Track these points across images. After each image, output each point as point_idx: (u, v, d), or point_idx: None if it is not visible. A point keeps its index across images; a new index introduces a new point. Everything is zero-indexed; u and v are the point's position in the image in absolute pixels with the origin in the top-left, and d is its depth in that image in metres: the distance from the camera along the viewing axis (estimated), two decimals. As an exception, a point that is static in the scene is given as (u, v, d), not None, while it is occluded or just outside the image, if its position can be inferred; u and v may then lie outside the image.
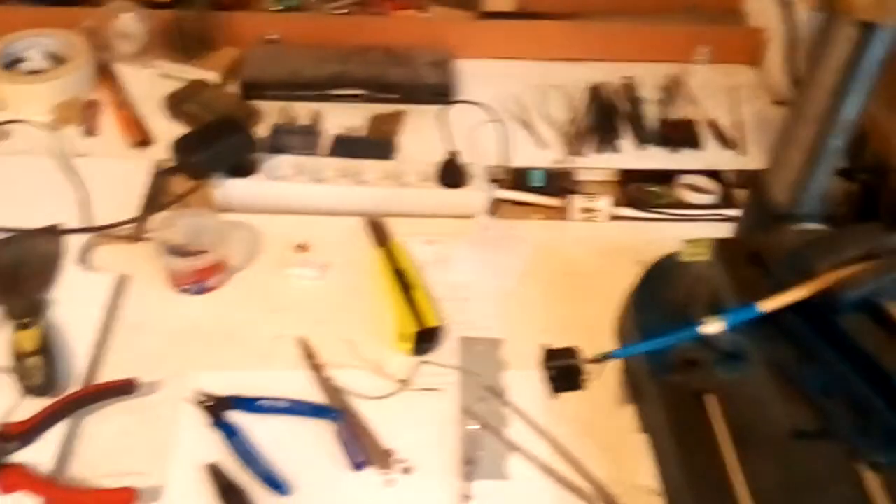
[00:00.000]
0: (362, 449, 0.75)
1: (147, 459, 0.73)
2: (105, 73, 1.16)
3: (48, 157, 1.02)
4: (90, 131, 1.07)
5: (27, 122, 1.07)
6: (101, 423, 0.76)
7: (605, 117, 1.13)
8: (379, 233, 0.96)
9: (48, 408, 0.74)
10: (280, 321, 0.86)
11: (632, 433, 0.76)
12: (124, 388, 0.77)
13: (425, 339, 0.83)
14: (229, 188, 0.97)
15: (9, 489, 0.69)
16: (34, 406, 0.75)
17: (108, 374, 0.80)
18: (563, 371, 0.70)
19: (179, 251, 0.86)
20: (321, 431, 0.76)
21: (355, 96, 1.14)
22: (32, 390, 0.75)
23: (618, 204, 1.00)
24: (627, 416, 0.77)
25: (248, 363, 0.82)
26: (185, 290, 0.88)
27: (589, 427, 0.77)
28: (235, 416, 0.77)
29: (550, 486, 0.73)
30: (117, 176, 0.99)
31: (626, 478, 0.73)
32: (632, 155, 1.09)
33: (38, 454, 0.72)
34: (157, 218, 0.92)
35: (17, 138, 1.07)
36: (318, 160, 1.01)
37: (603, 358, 0.70)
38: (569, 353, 0.71)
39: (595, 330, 0.82)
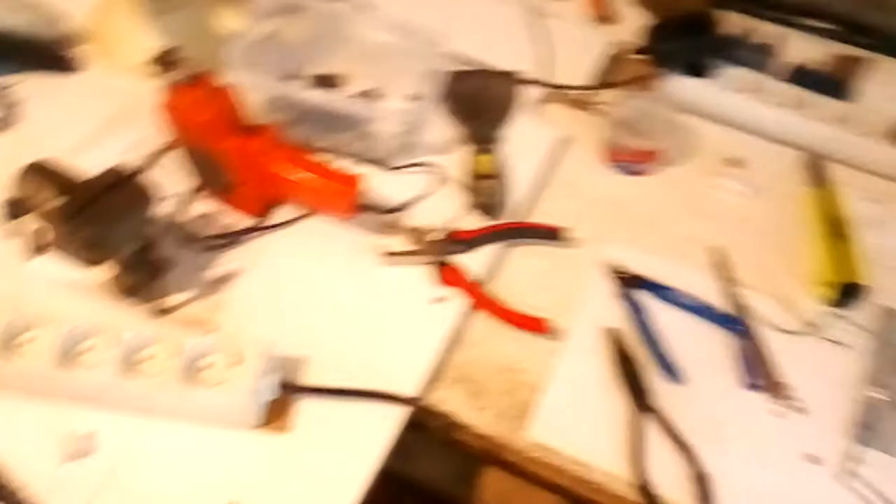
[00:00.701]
0: (760, 372, 0.74)
1: (556, 304, 0.78)
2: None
3: (520, 7, 1.08)
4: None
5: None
6: (526, 257, 0.82)
7: None
8: (817, 173, 0.91)
9: (490, 227, 0.82)
10: (698, 225, 0.87)
11: None
12: (553, 234, 0.82)
13: (847, 293, 0.79)
14: (681, 84, 0.97)
15: (449, 283, 0.78)
16: (478, 222, 0.83)
17: (539, 217, 0.86)
18: None
19: (625, 129, 0.89)
20: (720, 341, 0.77)
21: (824, 30, 1.07)
22: (482, 208, 0.83)
23: None
24: None
25: (660, 251, 0.84)
26: (617, 167, 0.91)
27: None
28: (642, 296, 0.79)
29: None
30: (577, 43, 1.03)
31: None
32: None
33: (474, 263, 0.80)
34: (609, 93, 0.95)
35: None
36: (772, 83, 0.98)
37: None
38: None
39: None
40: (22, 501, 0.61)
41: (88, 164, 0.74)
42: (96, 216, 0.66)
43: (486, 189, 0.84)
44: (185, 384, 0.65)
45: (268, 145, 0.75)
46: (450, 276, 0.78)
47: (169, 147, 0.84)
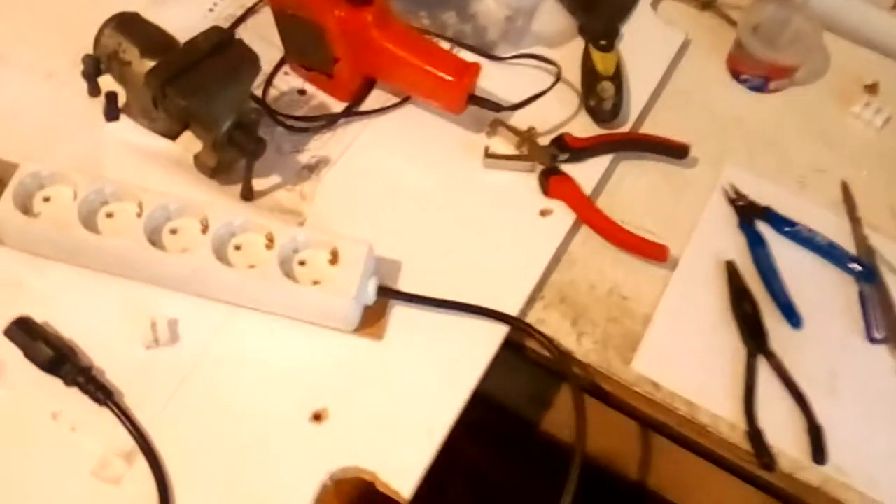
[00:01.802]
0: (885, 324, 0.68)
1: (666, 228, 0.72)
2: None
3: None
4: None
5: None
6: (637, 173, 0.75)
7: None
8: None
9: (604, 136, 0.74)
10: (825, 155, 0.79)
11: None
12: (675, 149, 0.74)
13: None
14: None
15: (557, 195, 0.71)
16: (590, 129, 0.76)
17: (650, 128, 0.78)
18: None
19: (755, 37, 0.80)
20: (844, 286, 0.71)
21: None
22: (595, 112, 0.75)
23: None
24: None
25: (782, 180, 0.77)
26: (742, 80, 0.82)
27: None
28: (762, 228, 0.73)
29: None
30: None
31: None
32: None
33: (583, 175, 0.73)
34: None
35: None
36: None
37: None
38: None
39: None
40: (103, 384, 0.57)
41: (164, 21, 0.67)
42: (196, 84, 0.59)
43: (601, 91, 0.75)
44: (284, 278, 0.59)
45: (379, 19, 0.67)
46: (559, 187, 0.71)
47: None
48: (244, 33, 0.75)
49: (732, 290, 0.69)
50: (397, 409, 0.60)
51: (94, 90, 0.66)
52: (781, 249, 0.72)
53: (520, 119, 0.74)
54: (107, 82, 0.67)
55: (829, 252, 0.72)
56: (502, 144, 0.73)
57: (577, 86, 0.78)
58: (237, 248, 0.62)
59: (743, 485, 0.68)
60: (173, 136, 0.69)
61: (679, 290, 0.69)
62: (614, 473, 0.80)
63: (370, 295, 0.61)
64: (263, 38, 0.75)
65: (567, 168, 0.72)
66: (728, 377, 0.65)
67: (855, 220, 0.74)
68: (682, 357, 0.66)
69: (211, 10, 0.77)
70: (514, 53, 0.78)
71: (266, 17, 0.75)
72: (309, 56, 0.71)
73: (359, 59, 0.70)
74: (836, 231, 0.74)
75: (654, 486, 0.81)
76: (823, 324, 0.68)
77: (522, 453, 0.94)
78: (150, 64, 0.62)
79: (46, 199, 0.62)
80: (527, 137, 0.73)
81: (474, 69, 0.68)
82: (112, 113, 0.68)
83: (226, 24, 0.77)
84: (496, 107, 0.70)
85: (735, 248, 0.72)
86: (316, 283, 0.61)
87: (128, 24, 0.64)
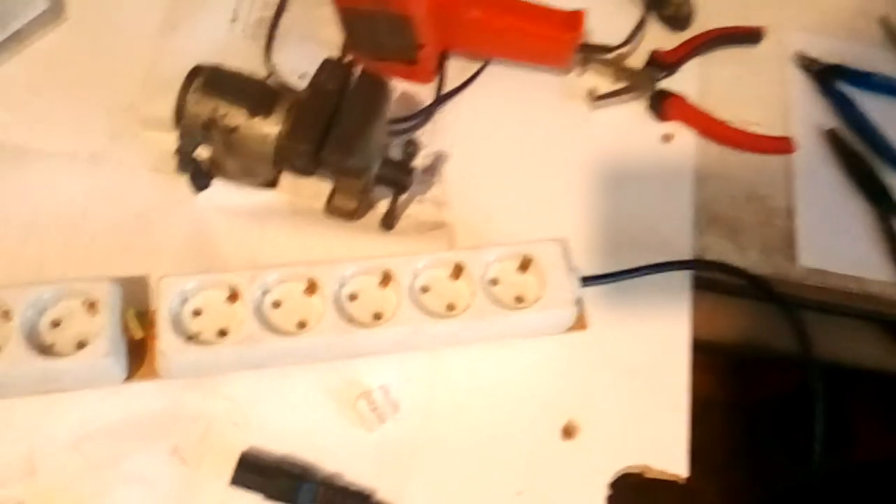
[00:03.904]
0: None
1: (766, 113, 0.71)
2: None
3: None
4: None
5: None
6: (721, 67, 0.72)
7: None
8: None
9: (690, 41, 0.71)
10: (858, -6, 0.79)
11: None
12: (754, 35, 0.72)
13: None
14: None
15: (672, 116, 0.67)
16: (664, 39, 0.71)
17: (707, 21, 0.74)
18: None
19: None
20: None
21: None
22: (673, 21, 0.71)
23: None
24: None
25: (836, 32, 0.77)
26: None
27: None
28: (844, 88, 0.73)
29: None
30: None
31: None
32: None
33: (682, 87, 0.69)
34: None
35: None
36: None
37: None
38: None
39: None
40: (355, 490, 0.51)
41: (187, 48, 0.55)
42: (348, 136, 0.49)
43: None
44: (497, 308, 0.54)
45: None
46: (674, 108, 0.67)
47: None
48: (285, 39, 0.64)
49: (844, 158, 0.70)
50: (633, 394, 0.58)
51: (186, 165, 0.54)
52: (866, 102, 0.73)
53: (609, 48, 0.68)
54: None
55: (909, 93, 0.74)
56: (597, 79, 0.68)
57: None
58: (424, 290, 0.56)
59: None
60: (275, 183, 0.59)
61: (803, 173, 0.69)
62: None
63: (578, 290, 0.57)
64: (308, 36, 0.64)
65: (667, 86, 0.69)
66: (874, 242, 0.67)
67: (911, 53, 0.76)
68: (833, 238, 0.67)
69: (234, 20, 0.64)
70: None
71: (301, 11, 0.64)
72: (386, 49, 0.61)
73: (447, 38, 0.61)
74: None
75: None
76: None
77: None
78: (265, 124, 0.51)
79: (197, 314, 0.52)
80: (619, 66, 0.68)
81: (580, 17, 0.61)
82: (202, 181, 0.57)
83: (255, 31, 0.64)
84: (606, 50, 0.64)
85: (829, 114, 0.72)
86: (519, 298, 0.56)
87: (215, 83, 0.51)
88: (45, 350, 0.49)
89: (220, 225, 0.58)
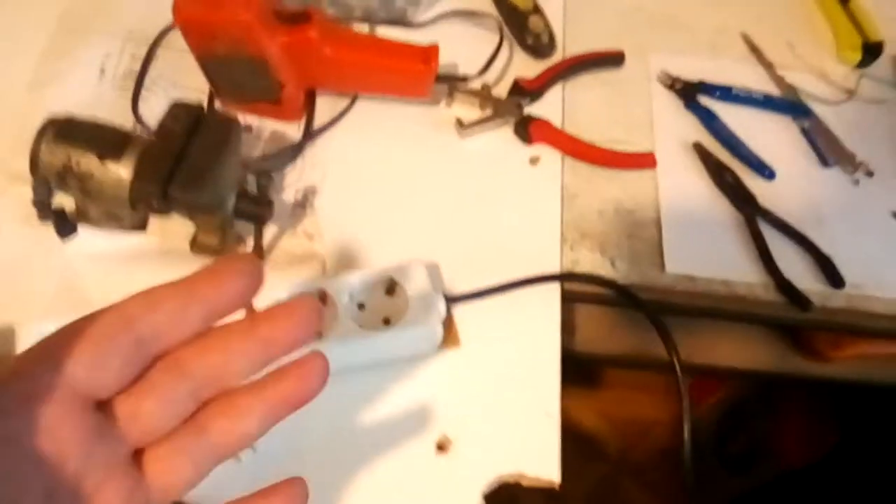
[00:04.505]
0: (830, 147, 0.76)
1: (631, 132, 0.74)
2: None
3: None
4: None
5: None
6: (585, 91, 0.76)
7: None
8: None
9: (552, 68, 0.73)
10: (719, 13, 0.83)
11: None
12: (616, 59, 0.76)
13: (869, 53, 0.81)
14: None
15: (538, 139, 0.70)
16: (528, 66, 0.74)
17: (573, 47, 0.78)
18: None
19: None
20: (786, 128, 0.77)
21: None
22: (539, 49, 0.74)
23: None
24: None
25: (698, 50, 0.81)
26: (625, -32, 0.84)
27: None
28: (705, 101, 0.77)
29: None
30: None
31: None
32: None
33: (546, 112, 0.72)
34: None
35: None
36: None
37: None
38: None
39: None
40: None
41: (56, 101, 0.57)
42: (195, 174, 0.51)
43: (534, 27, 0.74)
44: (364, 332, 0.56)
45: (323, 32, 0.60)
46: (539, 131, 0.70)
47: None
48: (152, 89, 0.65)
49: (709, 168, 0.73)
50: (506, 405, 0.59)
51: (46, 214, 0.56)
52: (727, 114, 0.76)
53: (472, 78, 0.71)
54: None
55: (765, 103, 0.77)
56: (464, 109, 0.71)
57: (509, 29, 0.75)
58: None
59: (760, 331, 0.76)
60: (144, 226, 0.60)
61: (668, 185, 0.72)
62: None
63: (443, 309, 0.59)
64: (175, 85, 0.66)
65: (531, 111, 0.72)
66: (741, 245, 0.70)
67: (767, 66, 0.80)
68: (699, 244, 0.70)
69: (103, 71, 0.66)
70: (430, 16, 0.74)
71: (168, 62, 0.66)
72: (249, 91, 0.63)
73: (307, 76, 0.63)
74: (758, 80, 0.79)
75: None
76: (788, 166, 0.75)
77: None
78: (117, 167, 0.53)
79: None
80: (485, 95, 0.70)
81: (434, 51, 0.64)
82: (66, 229, 0.58)
83: (123, 83, 0.66)
84: (462, 78, 0.67)
85: (693, 128, 0.75)
86: (386, 320, 0.58)
87: (67, 132, 0.53)
88: None
89: (88, 271, 0.58)
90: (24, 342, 0.51)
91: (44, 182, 0.53)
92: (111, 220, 0.58)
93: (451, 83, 0.69)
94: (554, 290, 0.64)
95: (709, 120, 0.75)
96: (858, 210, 0.74)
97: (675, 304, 0.68)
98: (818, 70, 0.81)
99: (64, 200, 0.57)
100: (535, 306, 0.63)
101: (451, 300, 0.60)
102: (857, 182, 0.75)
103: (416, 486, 0.55)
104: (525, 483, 0.57)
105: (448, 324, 0.61)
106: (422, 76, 0.63)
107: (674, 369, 0.58)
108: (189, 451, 0.31)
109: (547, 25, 0.74)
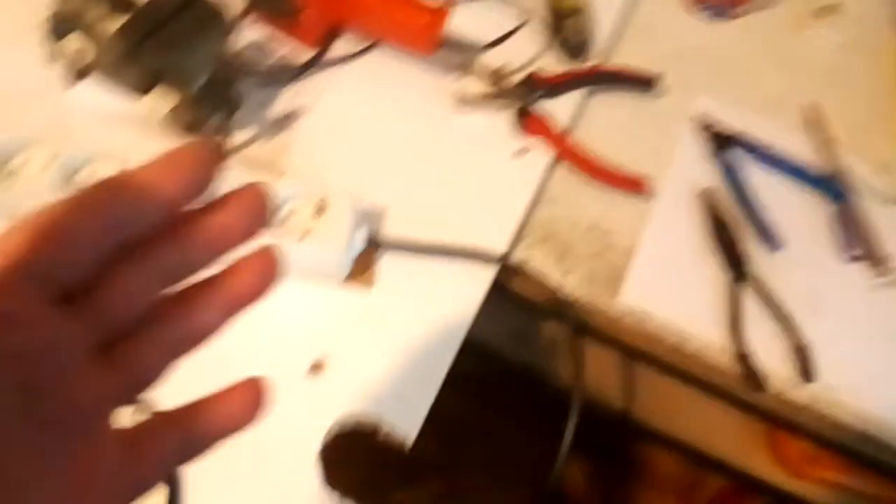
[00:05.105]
0: (859, 242, 0.68)
1: (642, 160, 0.70)
2: None
3: None
4: None
5: None
6: (609, 107, 0.73)
7: None
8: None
9: (575, 71, 0.71)
10: (788, 78, 0.77)
11: None
12: (645, 82, 0.72)
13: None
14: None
15: (533, 132, 0.68)
16: (561, 65, 0.73)
17: (614, 59, 0.75)
18: None
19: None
20: (817, 207, 0.70)
21: None
22: (566, 48, 0.72)
23: None
24: None
25: (750, 105, 0.75)
26: (704, 9, 0.80)
27: None
28: (735, 155, 0.71)
29: None
30: None
31: None
32: None
33: (557, 111, 0.70)
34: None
35: None
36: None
37: None
38: None
39: None
40: None
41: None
42: (166, 41, 0.55)
43: (571, 26, 0.72)
44: (271, 234, 0.56)
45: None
46: (535, 124, 0.68)
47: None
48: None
49: (711, 219, 0.68)
50: (393, 358, 0.58)
51: (56, 51, 0.61)
52: (755, 174, 0.71)
53: (493, 58, 0.71)
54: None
55: (800, 174, 0.71)
56: (475, 85, 0.70)
57: (548, 22, 0.74)
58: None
59: (727, 407, 0.68)
60: (144, 90, 0.65)
61: (659, 221, 0.68)
62: (600, 403, 0.80)
63: (358, 244, 0.58)
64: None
65: (541, 105, 0.70)
66: (713, 304, 0.64)
67: (824, 141, 0.74)
68: (667, 287, 0.65)
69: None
70: (477, -6, 0.75)
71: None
72: (274, 5, 0.67)
73: (328, 7, 0.65)
74: (805, 153, 0.73)
75: (639, 414, 0.81)
76: (802, 245, 0.68)
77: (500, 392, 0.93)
78: (119, 21, 0.58)
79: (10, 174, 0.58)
80: (499, 77, 0.70)
81: (442, 13, 0.64)
82: (79, 73, 0.63)
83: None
84: (470, 48, 0.67)
85: (711, 176, 0.70)
86: (306, 235, 0.58)
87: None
88: None
89: (77, 118, 0.64)
90: None
91: (61, 17, 0.58)
92: (116, 75, 0.63)
93: (467, 56, 0.68)
94: (486, 276, 0.62)
95: (730, 171, 0.70)
96: (868, 316, 0.66)
97: (616, 338, 0.64)
98: (881, 163, 0.73)
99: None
100: (462, 284, 0.61)
101: (379, 244, 0.60)
102: (875, 286, 0.67)
103: (279, 393, 0.55)
104: (378, 436, 0.55)
105: (365, 262, 0.60)
106: (424, 32, 0.64)
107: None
108: (156, 342, 0.30)
109: (584, 29, 0.72)
